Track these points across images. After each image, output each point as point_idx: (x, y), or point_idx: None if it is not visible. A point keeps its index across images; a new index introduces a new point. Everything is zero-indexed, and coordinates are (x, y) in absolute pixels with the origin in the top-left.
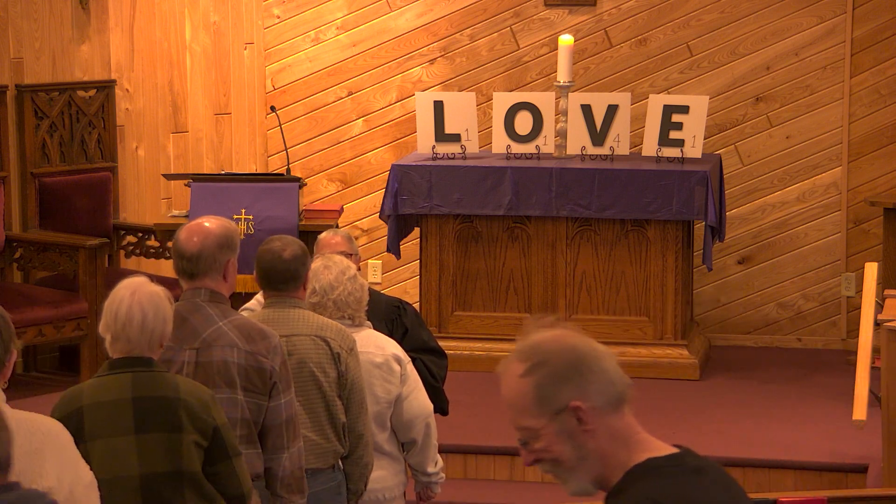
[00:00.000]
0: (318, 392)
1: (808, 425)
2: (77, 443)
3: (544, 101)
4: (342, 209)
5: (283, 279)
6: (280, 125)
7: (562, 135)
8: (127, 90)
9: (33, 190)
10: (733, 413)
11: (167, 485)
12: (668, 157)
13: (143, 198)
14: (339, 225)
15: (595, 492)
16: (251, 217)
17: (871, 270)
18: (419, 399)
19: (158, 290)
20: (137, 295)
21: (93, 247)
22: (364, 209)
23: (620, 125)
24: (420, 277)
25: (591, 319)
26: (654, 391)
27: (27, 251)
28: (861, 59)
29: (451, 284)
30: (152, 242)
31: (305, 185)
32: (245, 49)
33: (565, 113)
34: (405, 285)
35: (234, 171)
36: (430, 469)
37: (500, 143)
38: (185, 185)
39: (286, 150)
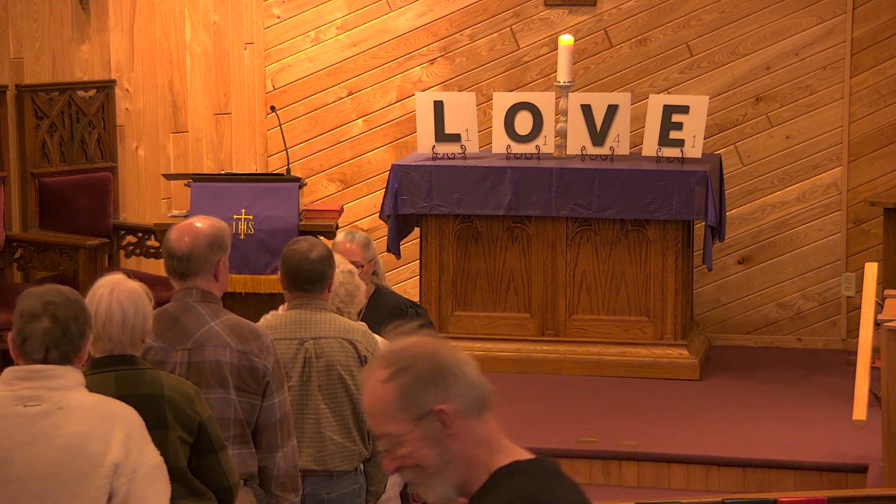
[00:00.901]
0: (346, 395)
1: (808, 425)
2: None
3: (544, 101)
4: (342, 209)
5: (310, 280)
6: (280, 125)
7: (562, 135)
8: (127, 90)
9: (33, 190)
10: (733, 413)
11: None
12: (668, 157)
13: (143, 198)
14: (339, 225)
15: (457, 498)
16: (251, 217)
17: (871, 270)
18: None
19: (136, 286)
20: (116, 292)
21: (93, 247)
22: (364, 209)
23: (620, 125)
24: (420, 277)
25: (591, 319)
26: (654, 391)
27: (27, 251)
28: (861, 59)
29: (451, 284)
30: (152, 242)
31: (305, 185)
32: (245, 49)
33: (565, 113)
34: (405, 285)
35: (234, 171)
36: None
37: (500, 143)
38: (185, 185)
39: (286, 150)
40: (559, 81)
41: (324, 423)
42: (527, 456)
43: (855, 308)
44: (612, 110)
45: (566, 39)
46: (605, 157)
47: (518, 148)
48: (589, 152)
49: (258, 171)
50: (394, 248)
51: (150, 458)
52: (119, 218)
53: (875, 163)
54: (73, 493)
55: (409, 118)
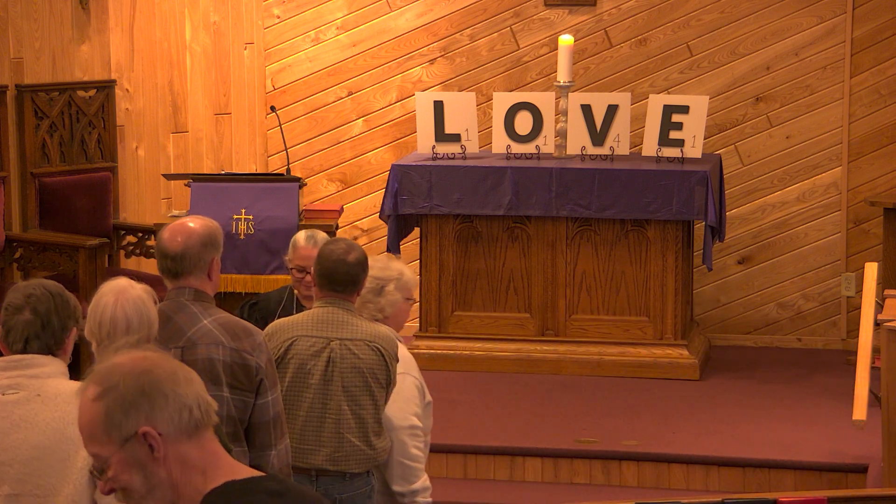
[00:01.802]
0: (370, 399)
1: (808, 425)
2: None
3: (544, 101)
4: (342, 209)
5: (344, 282)
6: (280, 125)
7: (562, 135)
8: (127, 90)
9: (33, 190)
10: (733, 413)
11: None
12: (668, 157)
13: (143, 198)
14: (339, 225)
15: None
16: (251, 217)
17: (871, 270)
18: (392, 410)
19: (141, 292)
20: (121, 300)
21: (93, 247)
22: (364, 209)
23: (620, 125)
24: (420, 277)
25: (591, 319)
26: (654, 391)
27: (27, 251)
28: (861, 58)
29: (451, 284)
30: (152, 242)
31: (305, 185)
32: (245, 49)
33: (565, 113)
34: None
35: (234, 171)
36: (397, 488)
37: (500, 143)
38: (185, 185)
39: (286, 150)
40: (559, 81)
41: (344, 424)
42: (245, 475)
43: (855, 308)
44: (612, 110)
45: (566, 39)
46: (605, 157)
47: (518, 148)
48: (589, 152)
49: (258, 171)
50: (394, 248)
51: None
52: (119, 218)
53: (875, 163)
54: (56, 476)
55: (409, 118)
